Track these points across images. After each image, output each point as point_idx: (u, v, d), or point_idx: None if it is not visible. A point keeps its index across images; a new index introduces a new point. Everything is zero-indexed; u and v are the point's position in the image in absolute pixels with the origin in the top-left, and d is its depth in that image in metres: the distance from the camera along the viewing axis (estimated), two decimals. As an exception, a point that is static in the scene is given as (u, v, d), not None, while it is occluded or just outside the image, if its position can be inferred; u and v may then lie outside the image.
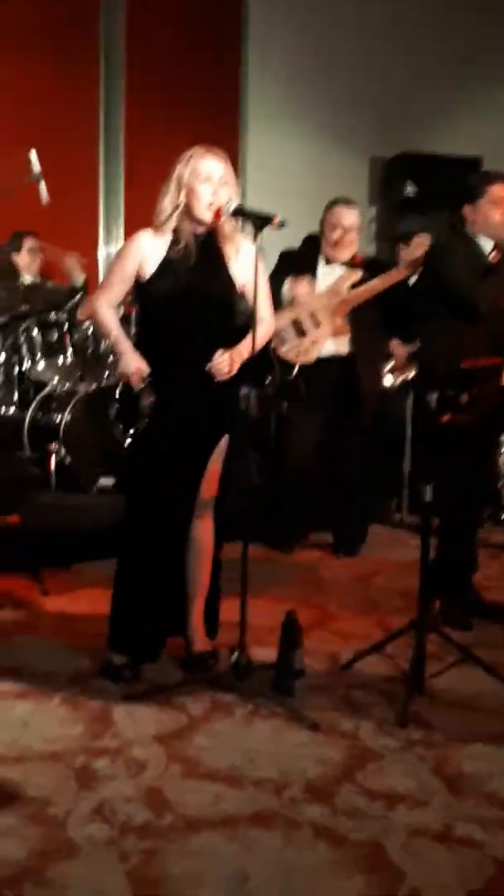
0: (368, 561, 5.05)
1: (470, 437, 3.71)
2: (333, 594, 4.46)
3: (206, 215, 3.21)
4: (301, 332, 4.99)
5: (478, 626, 3.96)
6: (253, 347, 3.26)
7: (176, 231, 3.24)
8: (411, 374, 5.59)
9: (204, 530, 3.42)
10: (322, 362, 5.02)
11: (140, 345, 3.32)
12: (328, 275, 5.10)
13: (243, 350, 3.28)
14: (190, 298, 3.21)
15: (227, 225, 3.23)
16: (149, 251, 3.25)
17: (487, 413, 3.64)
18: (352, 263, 5.10)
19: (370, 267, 5.13)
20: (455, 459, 3.90)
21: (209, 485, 3.37)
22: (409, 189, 7.44)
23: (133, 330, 4.87)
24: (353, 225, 5.10)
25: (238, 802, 2.59)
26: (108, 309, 3.35)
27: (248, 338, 3.26)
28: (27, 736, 2.93)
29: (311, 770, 2.77)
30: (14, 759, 2.79)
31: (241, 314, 3.34)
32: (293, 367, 5.01)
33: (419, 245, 5.69)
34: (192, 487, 3.33)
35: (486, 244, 3.96)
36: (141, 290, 3.30)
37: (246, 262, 3.27)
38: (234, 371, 3.24)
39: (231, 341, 3.27)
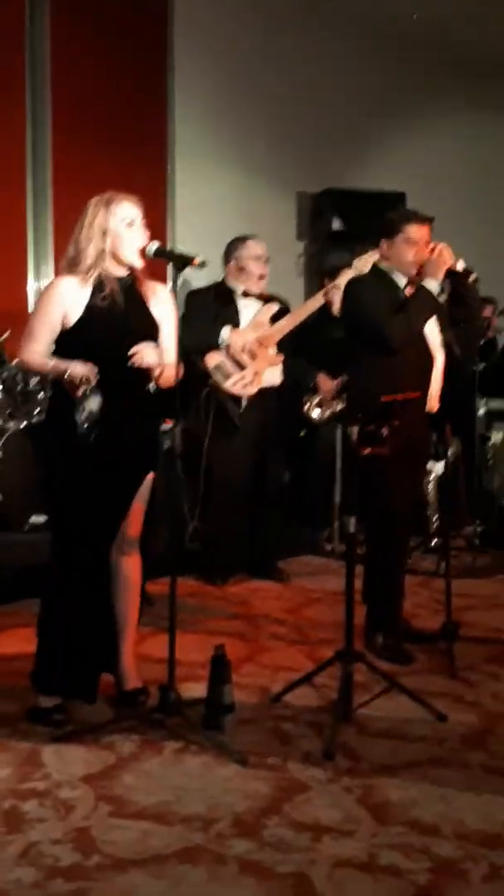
0: (300, 591, 5.10)
1: (392, 468, 3.78)
2: (264, 626, 4.49)
3: (136, 260, 3.25)
4: (239, 366, 5.05)
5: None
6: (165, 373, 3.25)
7: (100, 277, 3.23)
8: (339, 407, 5.68)
9: (131, 567, 3.45)
10: (259, 393, 5.10)
11: (58, 390, 3.26)
12: (248, 308, 5.18)
13: (156, 357, 3.23)
14: (120, 343, 3.19)
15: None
16: (71, 299, 3.20)
17: (408, 445, 3.71)
18: (261, 297, 5.19)
19: (274, 300, 5.24)
20: (378, 491, 3.98)
21: (134, 522, 3.41)
22: (336, 223, 7.58)
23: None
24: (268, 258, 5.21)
25: (166, 840, 2.61)
26: (38, 357, 3.23)
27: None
28: (-45, 780, 2.92)
29: (238, 804, 2.80)
30: None
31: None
32: (240, 400, 5.07)
33: (345, 279, 5.80)
34: (116, 525, 3.35)
35: (402, 278, 4.05)
36: (64, 338, 3.22)
37: (163, 303, 3.34)
38: (144, 362, 3.18)
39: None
